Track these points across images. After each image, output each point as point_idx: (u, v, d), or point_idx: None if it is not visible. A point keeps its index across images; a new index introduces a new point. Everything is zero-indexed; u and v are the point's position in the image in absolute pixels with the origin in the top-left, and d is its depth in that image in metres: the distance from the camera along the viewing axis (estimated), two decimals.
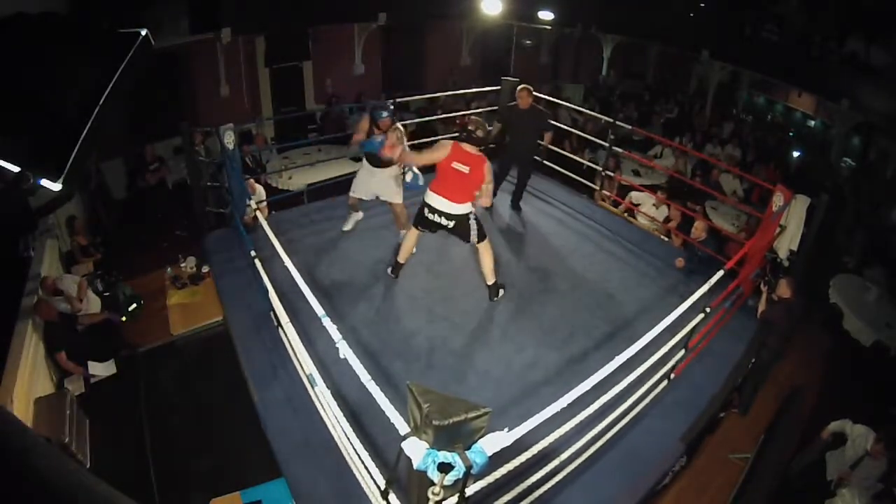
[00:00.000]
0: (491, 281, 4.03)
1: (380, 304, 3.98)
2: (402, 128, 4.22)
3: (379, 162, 4.23)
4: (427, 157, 3.73)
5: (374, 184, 4.40)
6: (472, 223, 3.76)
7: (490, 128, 3.80)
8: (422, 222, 3.86)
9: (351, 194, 4.53)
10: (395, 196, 4.44)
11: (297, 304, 3.71)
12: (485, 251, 3.92)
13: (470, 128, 3.66)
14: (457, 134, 3.72)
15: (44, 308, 3.94)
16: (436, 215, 3.73)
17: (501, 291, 4.10)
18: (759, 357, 3.96)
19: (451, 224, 3.74)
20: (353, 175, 4.58)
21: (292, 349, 3.16)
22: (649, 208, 5.79)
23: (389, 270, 4.19)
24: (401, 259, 4.12)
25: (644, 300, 4.22)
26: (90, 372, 4.02)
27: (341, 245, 4.64)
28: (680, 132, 9.20)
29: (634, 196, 5.94)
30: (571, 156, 6.52)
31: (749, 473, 3.74)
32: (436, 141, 3.95)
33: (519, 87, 4.98)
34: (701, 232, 4.69)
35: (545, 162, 6.12)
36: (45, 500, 0.81)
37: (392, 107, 4.22)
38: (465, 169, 3.60)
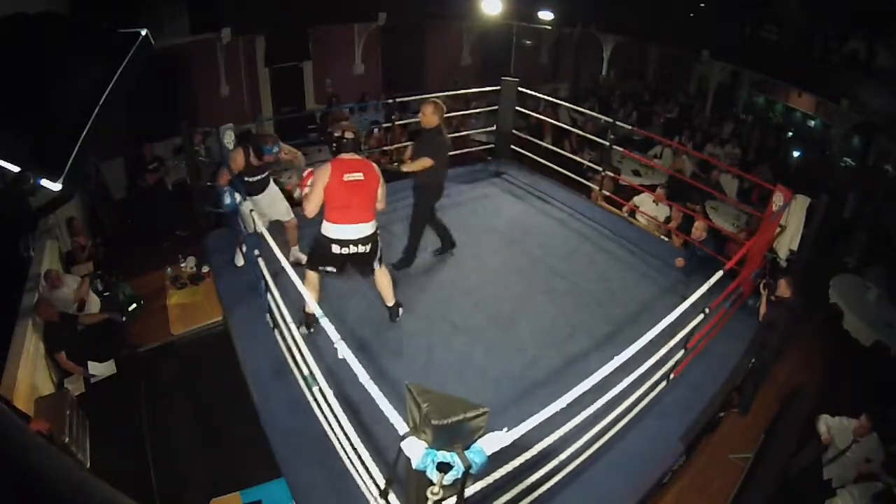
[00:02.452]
0: (392, 302, 3.72)
1: (379, 304, 3.97)
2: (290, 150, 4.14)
3: (261, 187, 4.15)
4: (318, 191, 3.15)
5: (268, 207, 4.21)
6: (380, 241, 3.40)
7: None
8: (327, 262, 3.33)
9: (257, 229, 3.64)
10: (287, 213, 4.29)
11: (297, 303, 3.72)
12: (383, 274, 3.58)
13: (337, 134, 3.26)
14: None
15: (44, 308, 3.95)
16: (350, 247, 3.24)
17: (401, 310, 3.81)
18: (760, 357, 3.96)
19: (368, 248, 3.29)
20: None
21: (292, 349, 3.16)
22: (649, 207, 5.80)
23: (305, 329, 3.53)
24: (313, 310, 3.56)
25: (644, 300, 4.22)
26: (90, 372, 4.02)
27: None
28: (680, 132, 9.20)
29: (636, 199, 5.94)
30: (571, 156, 6.52)
31: (749, 473, 3.74)
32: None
33: (424, 103, 3.99)
34: (701, 232, 4.69)
35: (544, 162, 6.13)
36: (45, 500, 0.81)
37: (279, 142, 4.01)
38: (360, 176, 3.19)
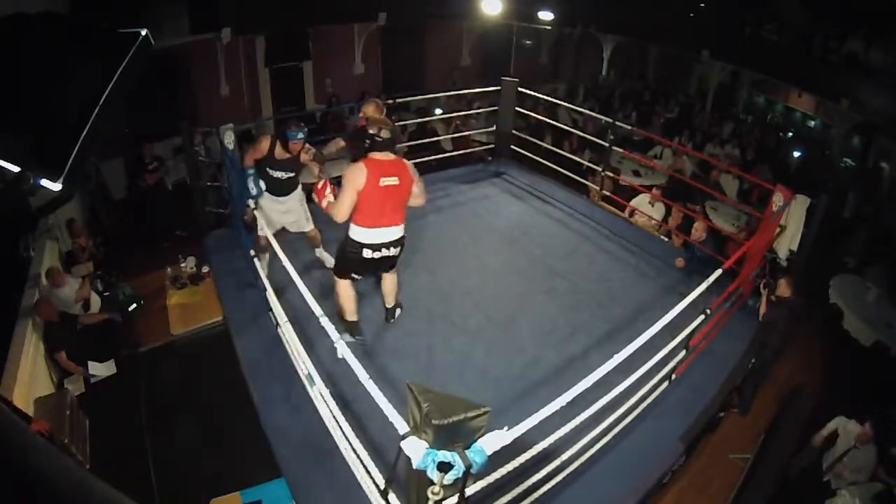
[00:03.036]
0: (392, 303, 3.67)
1: (379, 304, 3.97)
2: (314, 149, 3.87)
3: (283, 189, 3.86)
4: (350, 195, 2.93)
5: (281, 215, 3.98)
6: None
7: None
8: (356, 268, 3.22)
9: (260, 233, 3.77)
10: (307, 223, 4.08)
11: (297, 303, 3.72)
12: (394, 273, 3.50)
13: (372, 131, 2.94)
14: (365, 146, 2.97)
15: (44, 308, 3.95)
16: (381, 251, 3.10)
17: (398, 311, 3.74)
18: (760, 357, 3.96)
19: (398, 250, 3.18)
20: None
21: (292, 349, 3.16)
22: (646, 207, 5.81)
23: (349, 337, 3.39)
24: (354, 317, 3.46)
25: (644, 300, 4.22)
26: (90, 372, 4.03)
27: None
28: (680, 132, 9.21)
29: (633, 201, 5.95)
30: (571, 156, 6.52)
31: (749, 473, 3.74)
32: (435, 143, 3.86)
33: (365, 102, 3.88)
34: (701, 232, 4.69)
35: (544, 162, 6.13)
36: (45, 500, 0.81)
37: (305, 128, 3.73)
38: (395, 181, 2.96)
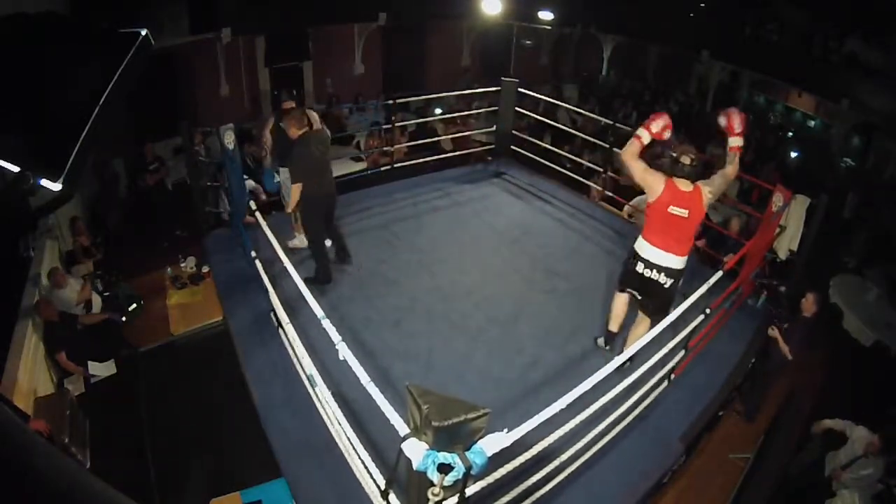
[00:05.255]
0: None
1: (380, 305, 3.98)
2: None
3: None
4: (645, 171, 2.96)
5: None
6: (681, 281, 3.13)
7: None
8: (633, 283, 3.20)
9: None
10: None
11: (297, 304, 3.72)
12: (645, 324, 3.27)
13: (674, 154, 2.91)
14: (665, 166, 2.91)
15: (44, 307, 3.94)
16: (653, 271, 3.06)
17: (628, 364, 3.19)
18: (768, 364, 3.96)
19: (670, 283, 3.06)
20: (353, 175, 4.53)
21: (292, 349, 3.16)
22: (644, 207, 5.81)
23: (603, 342, 3.60)
24: (615, 328, 3.52)
25: None
26: (90, 372, 4.02)
27: None
28: (680, 132, 9.21)
29: (633, 202, 5.95)
30: (572, 157, 6.51)
31: (749, 473, 3.74)
32: (435, 143, 3.86)
33: (287, 115, 3.75)
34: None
35: (544, 162, 6.12)
36: (45, 500, 0.81)
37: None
38: (684, 213, 2.89)
